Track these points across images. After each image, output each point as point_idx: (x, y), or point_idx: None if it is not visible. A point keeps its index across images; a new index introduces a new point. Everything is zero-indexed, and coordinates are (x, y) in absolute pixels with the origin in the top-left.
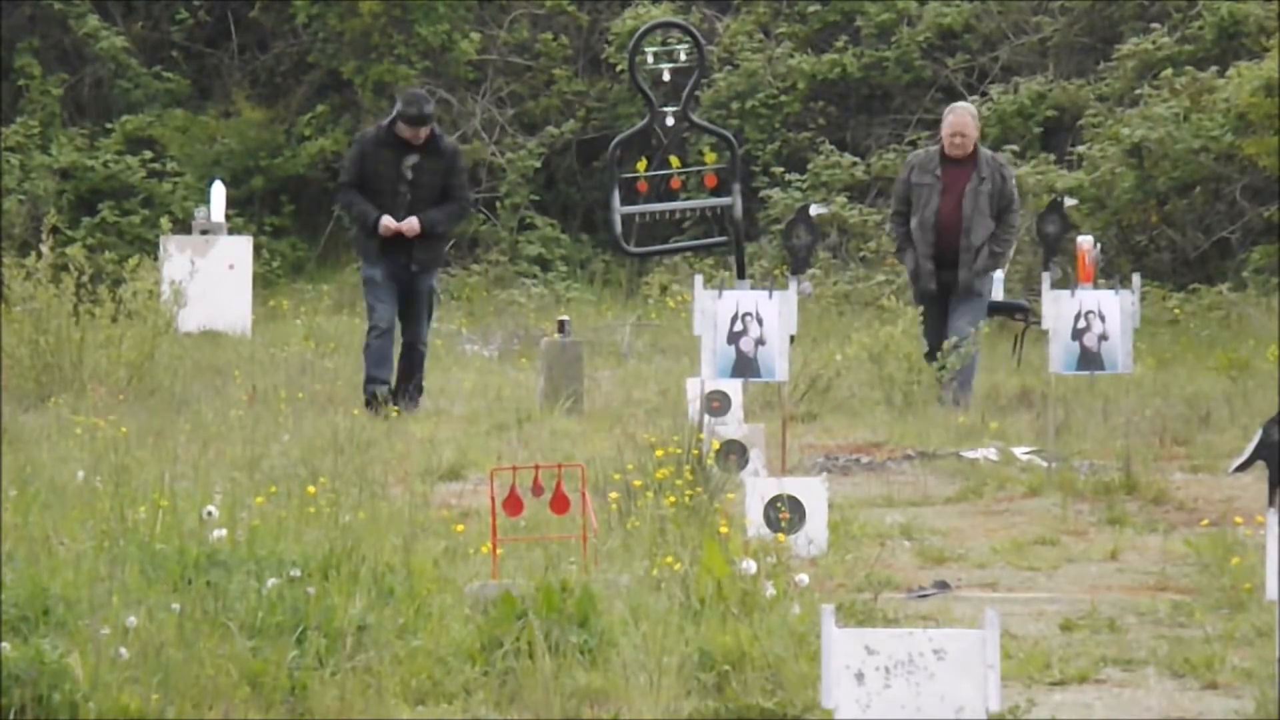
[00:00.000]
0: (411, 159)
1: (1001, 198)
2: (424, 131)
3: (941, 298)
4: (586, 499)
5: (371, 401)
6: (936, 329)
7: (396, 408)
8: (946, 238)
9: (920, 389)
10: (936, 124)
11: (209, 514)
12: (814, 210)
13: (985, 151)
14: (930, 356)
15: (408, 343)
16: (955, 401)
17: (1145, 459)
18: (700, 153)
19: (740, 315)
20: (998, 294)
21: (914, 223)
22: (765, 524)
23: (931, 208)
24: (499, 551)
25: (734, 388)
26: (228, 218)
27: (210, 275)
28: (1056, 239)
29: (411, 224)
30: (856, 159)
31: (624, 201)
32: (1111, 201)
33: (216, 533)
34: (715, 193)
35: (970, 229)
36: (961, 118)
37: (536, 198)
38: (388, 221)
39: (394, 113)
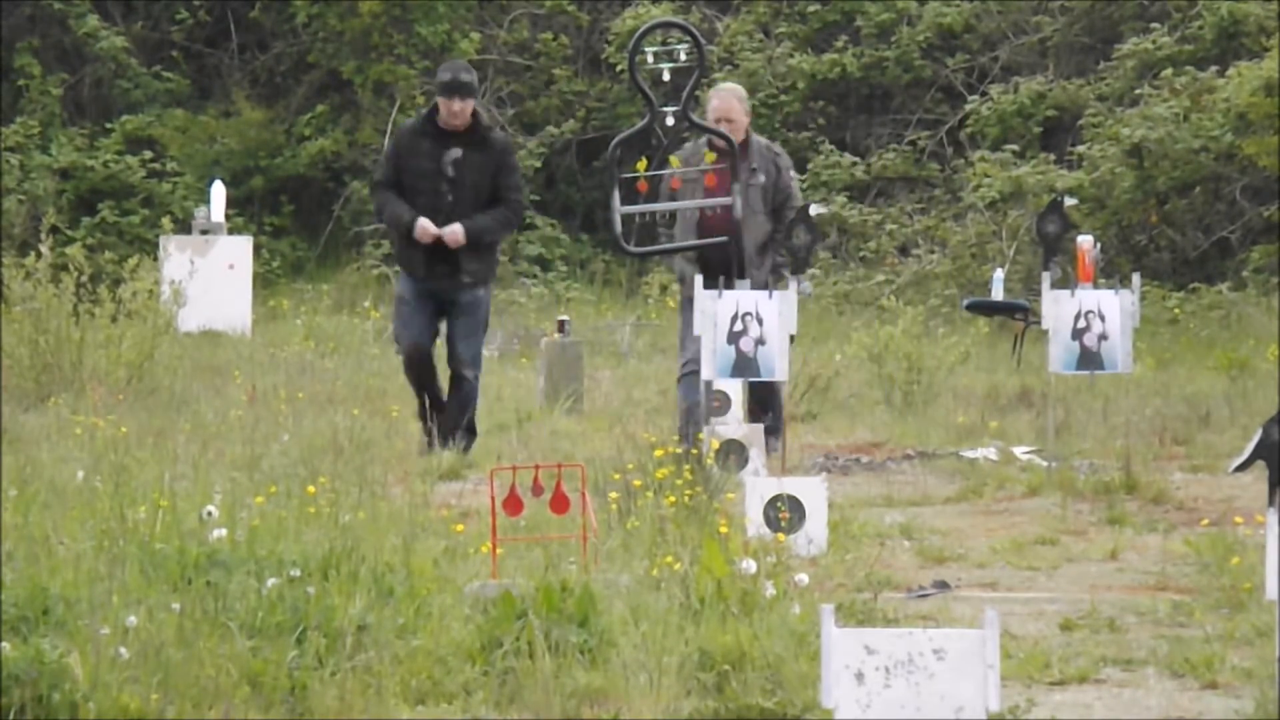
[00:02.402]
0: (454, 153)
1: (777, 192)
2: (465, 107)
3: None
4: (586, 499)
5: (428, 422)
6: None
7: (445, 447)
8: (715, 236)
9: (920, 389)
10: (937, 124)
11: (209, 514)
12: (814, 210)
13: (758, 139)
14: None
15: (456, 372)
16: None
17: (1145, 459)
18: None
19: (740, 315)
20: (998, 294)
21: (678, 223)
22: (765, 524)
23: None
24: (499, 551)
25: (734, 388)
26: (228, 218)
27: (210, 275)
28: (1056, 239)
29: (455, 232)
30: (856, 159)
31: (624, 201)
32: (1111, 201)
33: (216, 533)
34: (715, 193)
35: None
36: (727, 101)
37: (537, 198)
38: (425, 225)
39: (434, 100)
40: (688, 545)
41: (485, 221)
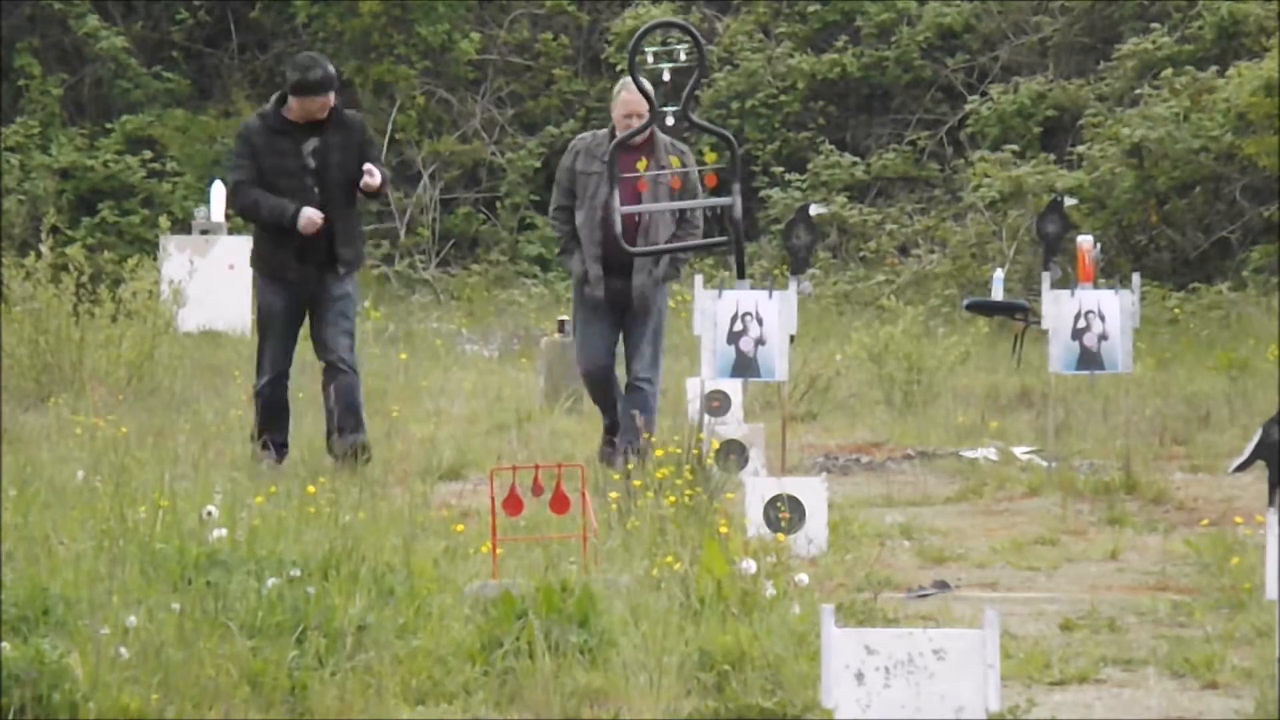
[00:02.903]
0: (312, 142)
1: (684, 191)
2: (327, 102)
3: (613, 309)
4: (586, 499)
5: (264, 458)
6: (604, 345)
7: (336, 459)
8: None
9: (920, 389)
10: (937, 124)
11: (209, 514)
12: (814, 210)
13: (662, 136)
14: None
15: (330, 363)
16: (631, 447)
17: (1145, 459)
18: (700, 152)
19: (740, 315)
20: (998, 294)
21: (579, 218)
22: (765, 524)
23: (599, 200)
24: (499, 551)
25: (734, 388)
26: (227, 217)
27: (210, 275)
28: (1056, 239)
29: (371, 172)
30: (856, 159)
31: (623, 202)
32: (1111, 201)
33: (216, 533)
34: (715, 193)
35: (648, 227)
36: (636, 94)
37: (536, 198)
38: (312, 214)
39: (281, 92)
40: (688, 545)
41: (377, 168)
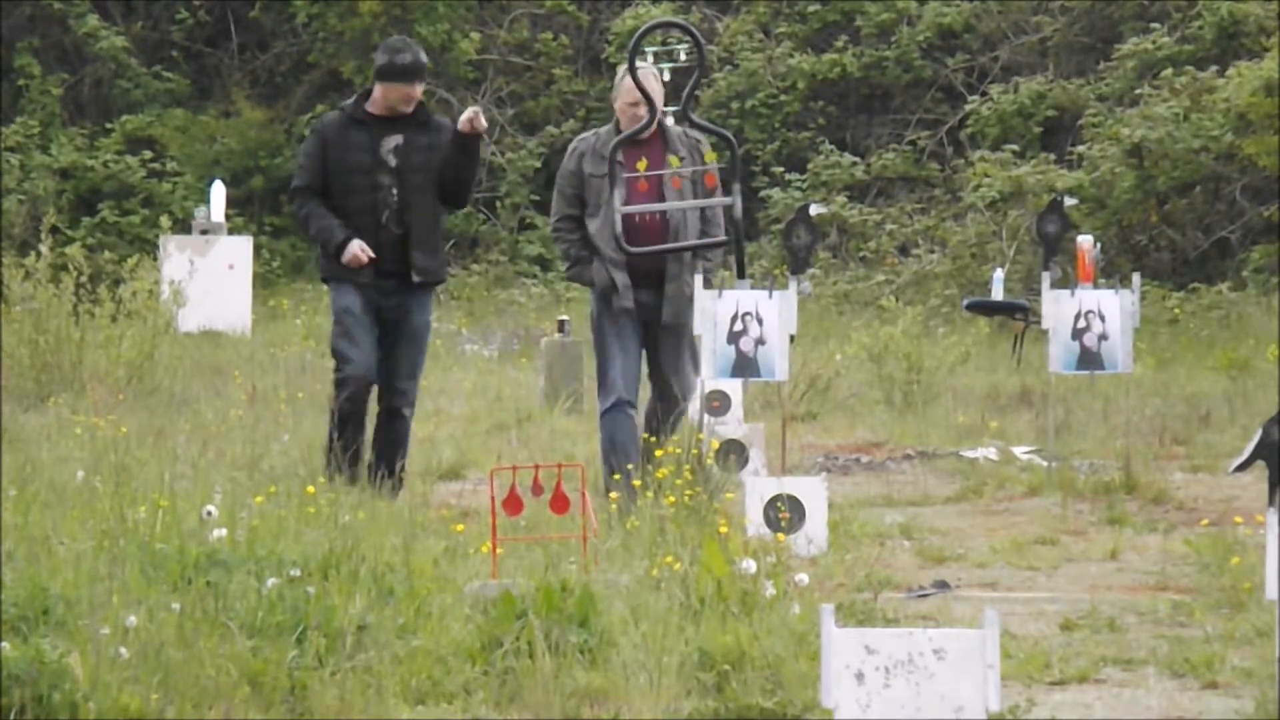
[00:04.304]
0: (394, 139)
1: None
2: (412, 92)
3: (639, 324)
4: (586, 499)
5: (340, 475)
6: (633, 376)
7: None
8: (641, 245)
9: (920, 389)
10: (937, 124)
11: (209, 514)
12: (814, 210)
13: (674, 126)
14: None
15: (388, 407)
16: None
17: (1145, 459)
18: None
19: (740, 315)
20: (998, 294)
21: (594, 226)
22: (765, 524)
23: (616, 205)
24: (499, 551)
25: (734, 388)
26: (228, 217)
27: (210, 275)
28: (1056, 239)
29: (476, 113)
30: (856, 159)
31: (624, 201)
32: (1111, 201)
33: (216, 533)
34: (715, 193)
35: (678, 228)
36: (644, 80)
37: (536, 198)
38: (359, 251)
39: (366, 87)
40: (688, 545)
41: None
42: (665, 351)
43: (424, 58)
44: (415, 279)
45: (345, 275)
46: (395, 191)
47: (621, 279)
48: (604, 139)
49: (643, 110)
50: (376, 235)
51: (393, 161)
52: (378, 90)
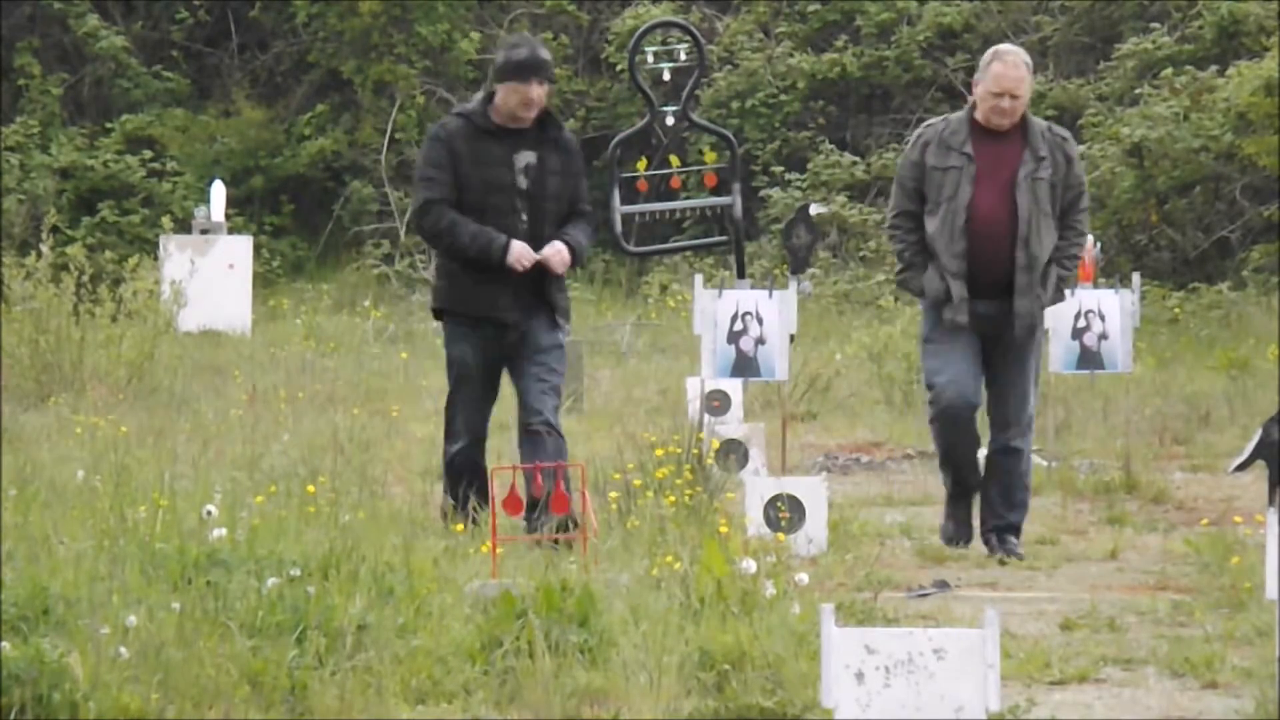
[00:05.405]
0: (526, 156)
1: (1067, 189)
2: (536, 94)
3: (977, 339)
4: (586, 499)
5: (459, 515)
6: (971, 387)
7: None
8: (988, 248)
9: (920, 388)
10: None
11: (209, 514)
12: (814, 210)
13: (1037, 121)
14: (960, 439)
15: (531, 427)
16: (1006, 546)
17: (1145, 459)
18: (700, 152)
19: (740, 314)
20: None
21: (933, 226)
22: (765, 523)
23: (962, 202)
24: (499, 551)
25: (734, 387)
26: (228, 217)
27: (210, 275)
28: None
29: (559, 251)
30: (856, 158)
31: (624, 201)
32: (1111, 201)
33: (216, 532)
34: (715, 192)
35: (1028, 235)
36: (1015, 68)
37: None
38: (523, 252)
39: (488, 90)
40: (688, 545)
41: (581, 237)
42: (999, 370)
43: (544, 53)
44: (556, 318)
45: (474, 313)
46: (525, 219)
47: (958, 290)
48: (953, 126)
49: (1005, 103)
50: (504, 267)
51: (524, 184)
52: (499, 94)
